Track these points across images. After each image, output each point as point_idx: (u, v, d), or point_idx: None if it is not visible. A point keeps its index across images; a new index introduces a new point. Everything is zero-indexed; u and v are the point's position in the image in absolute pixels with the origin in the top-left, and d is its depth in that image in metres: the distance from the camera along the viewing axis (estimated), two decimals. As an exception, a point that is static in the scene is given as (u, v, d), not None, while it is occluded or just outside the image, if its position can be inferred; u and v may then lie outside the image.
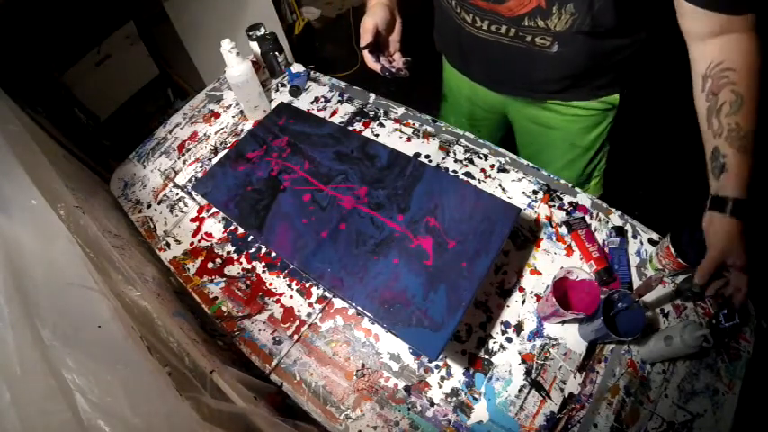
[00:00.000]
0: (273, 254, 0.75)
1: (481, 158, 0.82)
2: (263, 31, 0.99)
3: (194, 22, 1.66)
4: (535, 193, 0.77)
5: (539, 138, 0.88)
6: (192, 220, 0.82)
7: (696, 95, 0.55)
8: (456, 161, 0.82)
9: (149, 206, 0.85)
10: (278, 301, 0.70)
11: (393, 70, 0.67)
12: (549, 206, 0.75)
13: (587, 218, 0.73)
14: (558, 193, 0.77)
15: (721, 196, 0.52)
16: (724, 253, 0.52)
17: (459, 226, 0.61)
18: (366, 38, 0.66)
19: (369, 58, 0.67)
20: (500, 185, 0.78)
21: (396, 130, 0.88)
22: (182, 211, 0.83)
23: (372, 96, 0.95)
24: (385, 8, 0.68)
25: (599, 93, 0.75)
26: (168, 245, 0.79)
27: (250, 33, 0.99)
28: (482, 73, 0.83)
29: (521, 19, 0.62)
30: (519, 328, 0.64)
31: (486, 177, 0.80)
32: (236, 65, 0.83)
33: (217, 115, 0.98)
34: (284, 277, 0.72)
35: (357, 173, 0.69)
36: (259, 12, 1.82)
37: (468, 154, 0.83)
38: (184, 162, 0.91)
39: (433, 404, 0.60)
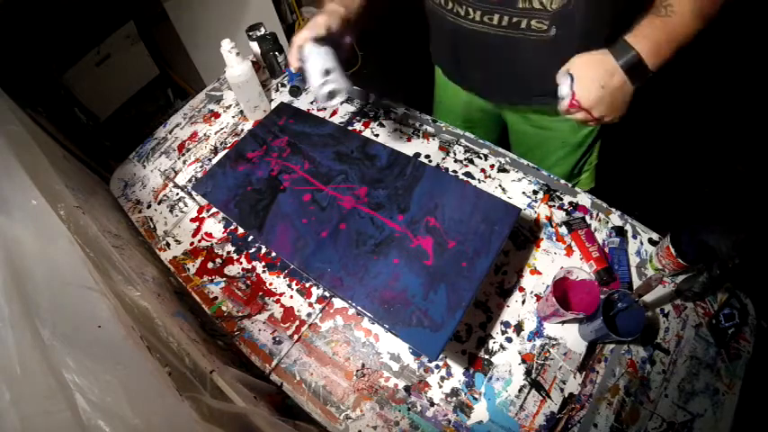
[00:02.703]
0: (273, 254, 0.75)
1: (481, 158, 0.82)
2: (263, 31, 0.99)
3: (194, 22, 1.66)
4: (535, 193, 0.77)
5: (532, 137, 0.88)
6: (192, 220, 0.82)
7: None
8: (456, 161, 0.82)
9: (149, 206, 0.85)
10: (278, 301, 0.70)
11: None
12: (549, 206, 0.75)
13: (587, 218, 0.73)
14: (558, 193, 0.77)
15: (627, 41, 0.51)
16: (600, 105, 0.52)
17: (459, 226, 0.61)
18: (319, 29, 0.64)
19: (294, 54, 0.65)
20: (500, 185, 0.78)
21: (396, 130, 0.88)
22: (182, 211, 0.83)
23: (372, 96, 0.95)
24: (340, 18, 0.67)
25: None
26: (168, 245, 0.79)
27: (250, 33, 0.99)
28: (477, 79, 0.82)
29: (515, 1, 0.60)
30: (519, 328, 0.64)
31: (486, 177, 0.80)
32: (236, 65, 0.83)
33: (217, 115, 0.98)
34: (284, 277, 0.72)
35: (357, 173, 0.69)
36: (259, 12, 1.82)
37: (468, 154, 0.83)
38: (184, 162, 0.91)
39: (433, 404, 0.60)
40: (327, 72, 0.63)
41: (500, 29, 0.65)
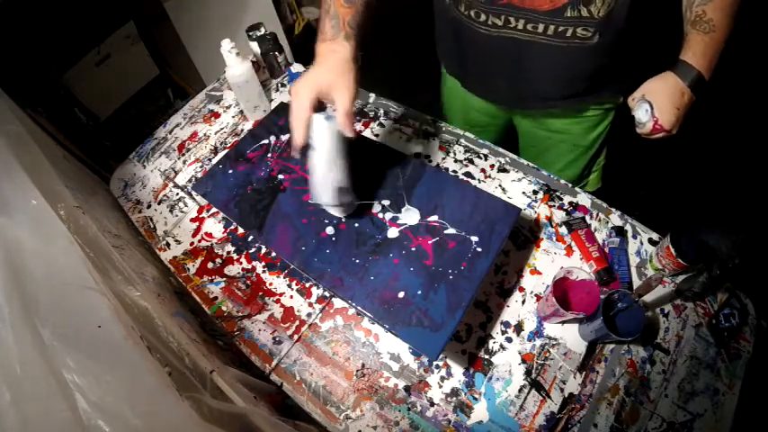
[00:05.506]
0: (273, 254, 0.75)
1: (481, 158, 0.82)
2: (263, 31, 0.99)
3: (194, 22, 1.66)
4: (535, 193, 0.77)
5: (543, 141, 0.88)
6: (192, 220, 0.82)
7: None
8: (456, 161, 0.82)
9: (149, 206, 0.85)
10: (278, 301, 0.70)
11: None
12: (549, 206, 0.75)
13: (587, 218, 0.73)
14: (558, 193, 0.77)
15: (687, 62, 0.56)
16: (677, 124, 0.57)
17: (460, 226, 0.61)
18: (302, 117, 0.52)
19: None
20: (500, 185, 0.78)
21: (396, 130, 0.88)
22: (182, 211, 0.83)
23: (372, 96, 0.95)
24: (351, 64, 0.57)
25: (612, 94, 0.76)
26: (168, 245, 0.79)
27: (250, 33, 0.99)
28: (501, 89, 0.79)
29: (562, 10, 0.60)
30: (519, 328, 0.64)
31: (486, 177, 0.80)
32: (236, 65, 0.83)
33: (217, 115, 0.98)
34: (284, 277, 0.72)
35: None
36: (259, 12, 1.82)
37: (468, 154, 0.83)
38: (184, 162, 0.91)
39: (433, 404, 0.60)
40: (341, 189, 0.56)
41: (544, 37, 0.64)
